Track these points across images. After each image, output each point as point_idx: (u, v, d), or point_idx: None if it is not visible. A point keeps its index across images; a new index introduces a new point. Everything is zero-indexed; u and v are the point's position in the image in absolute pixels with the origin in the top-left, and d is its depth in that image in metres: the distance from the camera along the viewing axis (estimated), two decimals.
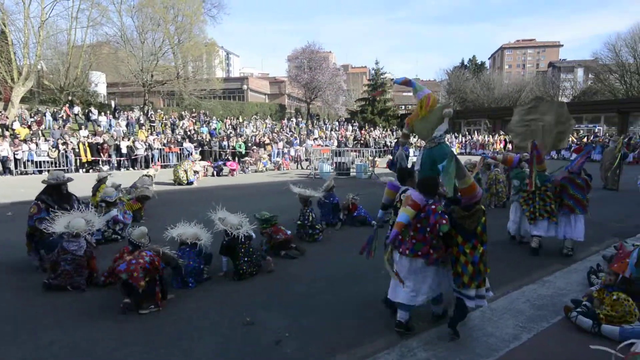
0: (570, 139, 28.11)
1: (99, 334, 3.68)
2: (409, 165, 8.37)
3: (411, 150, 19.66)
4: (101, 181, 8.17)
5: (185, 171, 13.88)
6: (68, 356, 3.34)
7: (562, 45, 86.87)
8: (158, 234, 5.44)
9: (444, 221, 3.40)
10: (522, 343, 3.48)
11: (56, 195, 5.63)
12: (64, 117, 22.25)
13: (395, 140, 16.61)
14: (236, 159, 21.03)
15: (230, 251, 5.13)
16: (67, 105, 23.85)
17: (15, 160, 16.88)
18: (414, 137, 18.26)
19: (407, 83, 4.90)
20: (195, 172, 14.71)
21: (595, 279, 4.59)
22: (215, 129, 26.95)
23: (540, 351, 3.37)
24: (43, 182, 5.69)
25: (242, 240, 5.12)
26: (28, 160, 17.18)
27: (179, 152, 20.83)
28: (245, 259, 5.10)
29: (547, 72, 59.39)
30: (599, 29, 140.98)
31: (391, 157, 12.91)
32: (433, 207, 3.49)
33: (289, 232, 6.15)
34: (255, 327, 3.82)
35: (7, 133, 17.99)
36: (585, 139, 27.75)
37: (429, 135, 4.60)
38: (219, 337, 3.64)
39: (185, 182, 13.79)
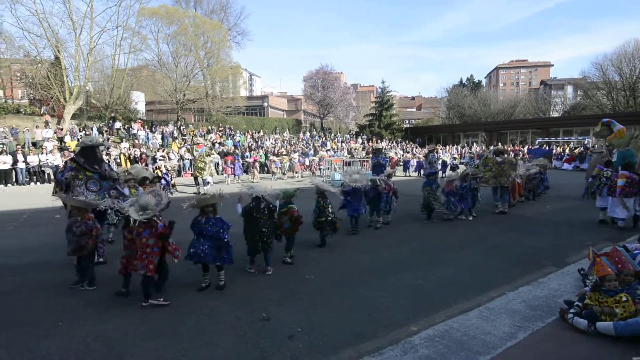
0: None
1: (128, 327, 3.65)
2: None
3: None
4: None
5: (205, 164, 13.22)
6: (102, 346, 3.31)
7: (553, 65, 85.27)
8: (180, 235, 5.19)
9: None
10: (518, 341, 3.30)
11: (89, 157, 5.63)
12: (108, 132, 22.75)
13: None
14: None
15: (249, 214, 4.91)
16: (111, 121, 24.38)
17: None
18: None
19: (610, 122, 8.08)
20: (211, 167, 13.97)
21: (588, 281, 4.36)
22: (239, 141, 27.21)
23: (536, 349, 3.19)
24: (77, 144, 5.77)
25: (263, 209, 4.92)
26: None
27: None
28: (263, 229, 4.87)
29: (539, 90, 58.31)
30: (583, 50, 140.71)
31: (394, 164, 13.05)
32: (635, 176, 7.05)
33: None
34: (270, 322, 3.73)
35: (57, 144, 18.45)
36: (576, 150, 26.89)
37: (621, 146, 7.76)
38: (238, 331, 3.56)
39: (204, 175, 13.19)
